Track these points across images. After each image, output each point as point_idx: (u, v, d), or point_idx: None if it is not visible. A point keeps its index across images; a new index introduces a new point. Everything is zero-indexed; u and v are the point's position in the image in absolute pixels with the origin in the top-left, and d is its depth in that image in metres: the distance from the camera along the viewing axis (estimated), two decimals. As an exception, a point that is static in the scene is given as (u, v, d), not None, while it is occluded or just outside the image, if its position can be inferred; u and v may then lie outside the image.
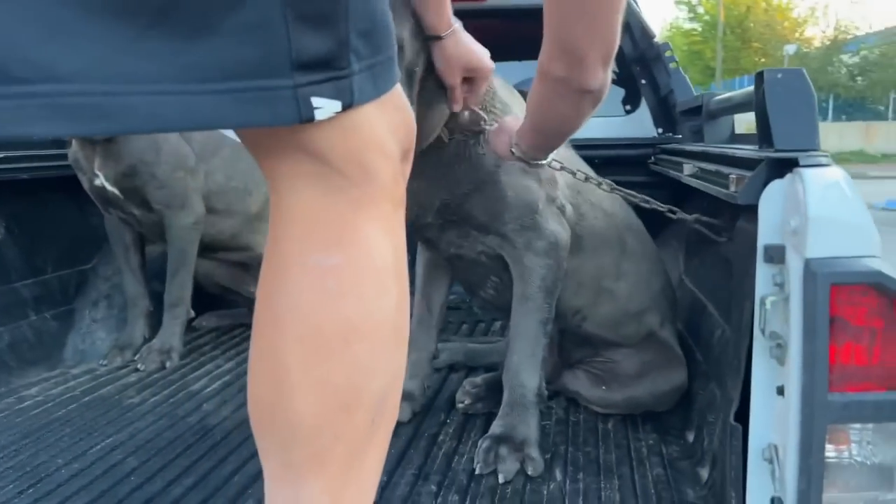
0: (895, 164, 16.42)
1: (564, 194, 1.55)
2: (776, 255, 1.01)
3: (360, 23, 0.69)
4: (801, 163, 1.03)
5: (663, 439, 1.56)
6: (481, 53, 1.33)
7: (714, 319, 1.58)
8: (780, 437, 1.01)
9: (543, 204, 1.48)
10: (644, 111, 2.51)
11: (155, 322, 2.21)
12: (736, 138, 2.10)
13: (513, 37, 2.10)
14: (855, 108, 21.84)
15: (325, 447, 0.75)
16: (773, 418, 1.04)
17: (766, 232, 1.04)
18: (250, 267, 2.40)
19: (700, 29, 29.63)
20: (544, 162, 1.38)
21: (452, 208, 1.48)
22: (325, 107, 0.67)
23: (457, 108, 1.38)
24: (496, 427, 1.47)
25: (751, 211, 1.09)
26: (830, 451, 0.96)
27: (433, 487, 1.35)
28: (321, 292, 0.73)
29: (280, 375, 0.74)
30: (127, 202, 2.10)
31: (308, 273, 0.73)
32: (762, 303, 1.02)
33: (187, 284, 2.20)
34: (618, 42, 1.04)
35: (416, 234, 1.56)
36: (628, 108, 2.59)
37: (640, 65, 2.43)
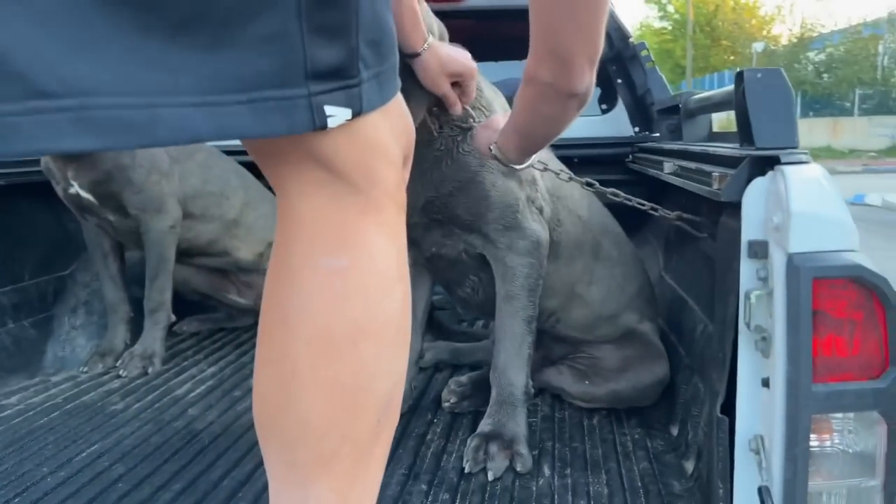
0: (861, 159, 16.72)
1: (544, 197, 1.57)
2: (760, 250, 1.04)
3: (369, 33, 0.70)
4: (783, 160, 1.05)
5: (648, 433, 1.58)
6: (462, 57, 1.35)
7: (696, 315, 1.61)
8: (766, 428, 1.03)
9: (524, 204, 1.50)
10: (621, 110, 2.52)
11: (136, 328, 2.19)
12: (714, 137, 2.13)
13: (490, 37, 2.11)
14: (822, 104, 22.15)
15: (332, 447, 0.76)
16: (758, 410, 1.06)
17: (750, 228, 1.06)
18: (228, 273, 2.39)
19: (670, 27, 29.97)
20: (521, 166, 1.37)
21: (437, 207, 1.49)
22: (337, 115, 0.69)
23: (456, 110, 1.40)
24: (485, 425, 1.48)
25: (734, 208, 1.11)
26: (814, 440, 0.99)
27: (423, 486, 1.36)
28: (330, 294, 0.74)
29: (288, 376, 0.75)
30: (102, 208, 2.07)
31: (317, 275, 0.74)
32: (747, 297, 1.04)
33: (167, 289, 2.17)
34: (602, 44, 1.06)
35: (402, 234, 1.56)
36: (604, 107, 2.60)
37: (616, 64, 2.44)
